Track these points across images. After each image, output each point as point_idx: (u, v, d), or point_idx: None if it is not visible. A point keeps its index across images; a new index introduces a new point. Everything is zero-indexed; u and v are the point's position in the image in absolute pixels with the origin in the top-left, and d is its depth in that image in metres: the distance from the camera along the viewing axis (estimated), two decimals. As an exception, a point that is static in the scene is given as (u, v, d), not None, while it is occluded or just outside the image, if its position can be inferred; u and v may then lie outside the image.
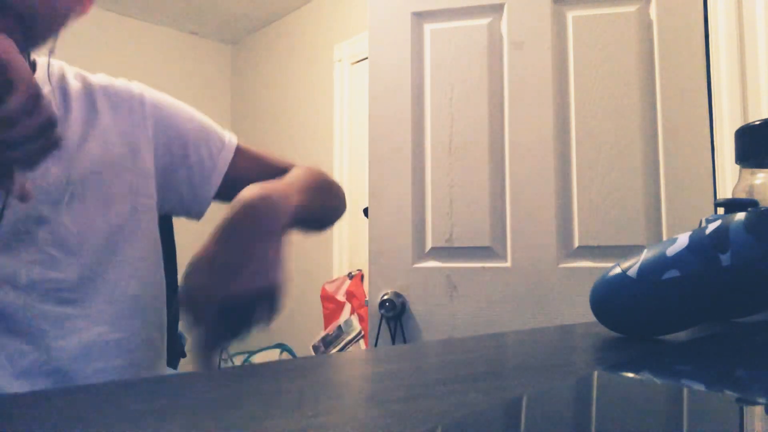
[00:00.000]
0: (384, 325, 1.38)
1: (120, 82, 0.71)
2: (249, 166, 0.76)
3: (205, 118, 0.76)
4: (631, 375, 0.30)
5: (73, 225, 0.58)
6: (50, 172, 0.57)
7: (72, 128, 0.62)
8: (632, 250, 0.40)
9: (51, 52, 0.62)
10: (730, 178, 1.21)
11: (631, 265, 0.39)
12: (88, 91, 0.66)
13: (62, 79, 0.65)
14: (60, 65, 0.66)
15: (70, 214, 0.58)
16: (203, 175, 0.72)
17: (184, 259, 0.59)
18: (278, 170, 0.74)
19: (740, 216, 0.38)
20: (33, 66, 0.63)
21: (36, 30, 0.54)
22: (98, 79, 0.69)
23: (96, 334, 0.59)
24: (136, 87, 0.71)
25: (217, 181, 0.73)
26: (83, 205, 0.60)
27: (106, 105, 0.66)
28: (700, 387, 0.27)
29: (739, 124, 1.19)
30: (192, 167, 0.72)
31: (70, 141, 0.60)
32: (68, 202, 0.58)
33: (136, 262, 0.64)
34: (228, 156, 0.74)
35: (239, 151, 0.76)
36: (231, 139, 0.76)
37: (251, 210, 0.52)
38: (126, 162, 0.65)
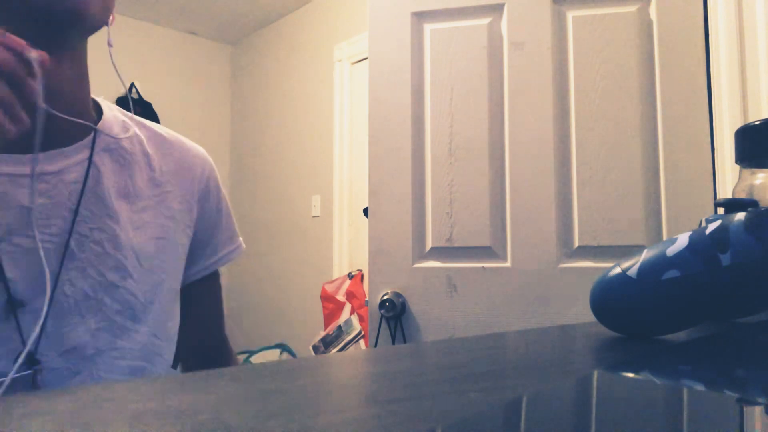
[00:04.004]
0: (384, 325, 1.38)
1: (191, 148, 0.69)
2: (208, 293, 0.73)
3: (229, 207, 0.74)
4: (631, 375, 0.30)
5: (140, 292, 0.57)
6: (119, 237, 0.56)
7: (137, 189, 0.60)
8: (632, 250, 0.40)
9: (109, 44, 0.60)
10: (730, 178, 1.21)
11: (631, 265, 0.39)
12: (155, 150, 0.64)
13: (127, 132, 0.63)
14: (124, 118, 0.64)
15: (137, 281, 0.57)
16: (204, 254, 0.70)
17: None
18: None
19: (740, 216, 0.38)
20: (99, 110, 0.61)
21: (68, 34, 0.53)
22: (169, 137, 0.67)
23: None
24: (207, 161, 0.70)
25: (203, 266, 0.70)
26: (148, 271, 0.58)
27: (172, 168, 0.65)
28: (700, 387, 0.27)
29: (739, 124, 1.19)
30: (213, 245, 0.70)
31: (136, 205, 0.59)
32: (134, 268, 0.57)
33: (175, 327, 0.64)
34: (232, 257, 0.72)
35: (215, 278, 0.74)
36: (241, 245, 0.75)
37: None
38: (182, 228, 0.64)
